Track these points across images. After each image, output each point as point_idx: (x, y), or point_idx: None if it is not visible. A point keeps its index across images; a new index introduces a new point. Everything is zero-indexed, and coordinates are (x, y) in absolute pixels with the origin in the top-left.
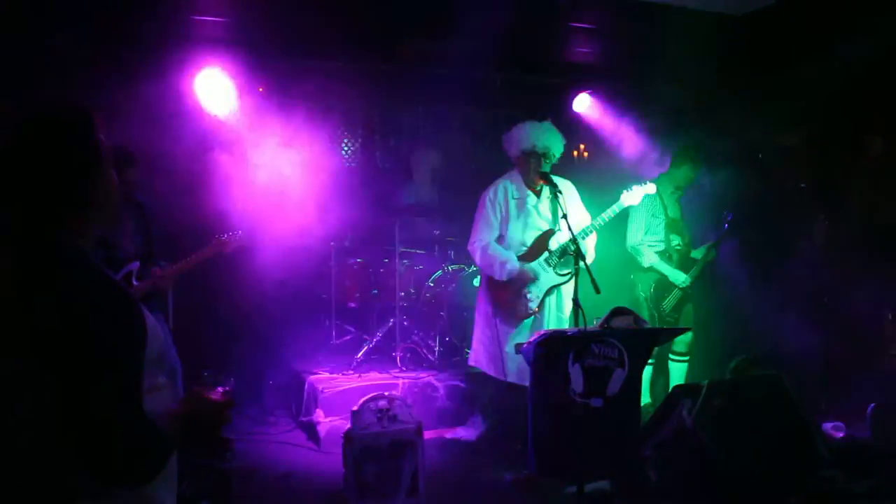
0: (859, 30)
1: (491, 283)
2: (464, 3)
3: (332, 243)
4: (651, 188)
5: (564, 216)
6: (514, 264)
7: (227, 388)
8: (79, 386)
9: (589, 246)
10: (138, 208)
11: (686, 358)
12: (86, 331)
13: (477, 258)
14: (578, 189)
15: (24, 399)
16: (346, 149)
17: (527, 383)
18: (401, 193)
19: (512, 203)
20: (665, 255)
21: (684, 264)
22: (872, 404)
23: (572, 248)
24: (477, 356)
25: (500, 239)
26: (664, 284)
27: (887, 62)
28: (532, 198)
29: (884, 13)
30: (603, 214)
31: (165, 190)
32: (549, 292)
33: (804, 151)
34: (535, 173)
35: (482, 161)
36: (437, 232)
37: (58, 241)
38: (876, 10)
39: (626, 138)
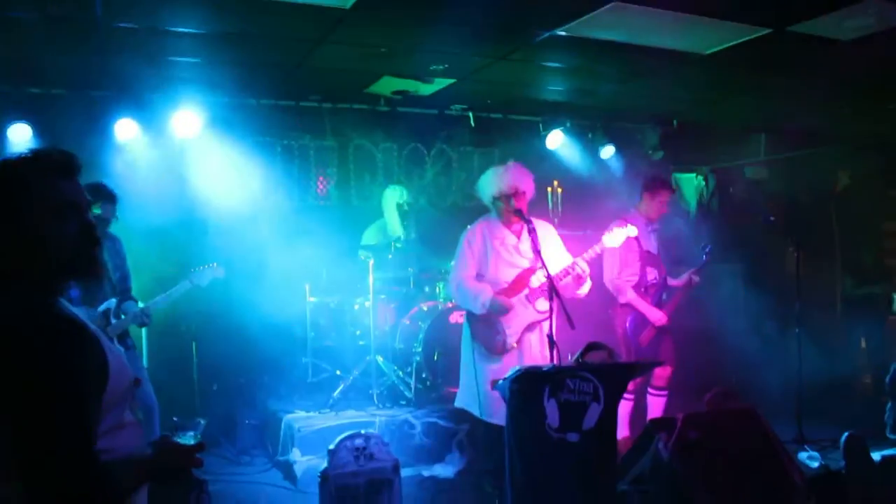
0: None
1: (471, 319)
2: (437, 39)
3: (307, 282)
4: (633, 230)
5: (538, 251)
6: (487, 295)
7: (197, 433)
8: (25, 425)
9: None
10: (112, 244)
11: (665, 392)
12: (33, 371)
13: (455, 295)
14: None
15: None
16: (320, 186)
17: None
18: (375, 231)
19: (489, 244)
20: (640, 288)
21: (659, 296)
22: (846, 433)
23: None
24: (461, 395)
25: (480, 278)
26: (641, 319)
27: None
28: (511, 238)
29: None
30: (584, 255)
31: (140, 226)
32: (530, 329)
33: (773, 185)
34: (511, 213)
35: (456, 197)
36: (412, 269)
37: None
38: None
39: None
